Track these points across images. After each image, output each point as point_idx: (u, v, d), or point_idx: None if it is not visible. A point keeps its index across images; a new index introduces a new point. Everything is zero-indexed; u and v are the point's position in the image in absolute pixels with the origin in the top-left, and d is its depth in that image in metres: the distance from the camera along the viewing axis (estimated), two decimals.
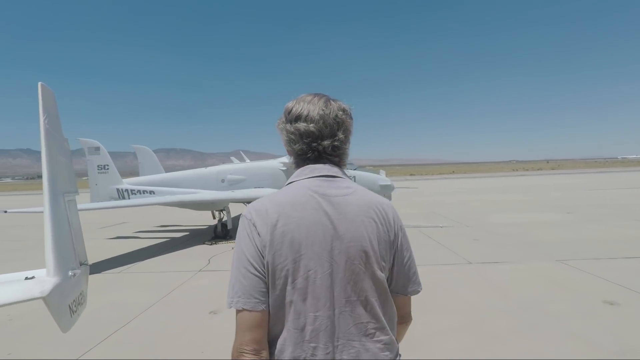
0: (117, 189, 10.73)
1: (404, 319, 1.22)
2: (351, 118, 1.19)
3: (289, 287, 1.03)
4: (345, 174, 1.19)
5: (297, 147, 1.15)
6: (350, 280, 1.05)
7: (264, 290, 1.03)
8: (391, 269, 1.14)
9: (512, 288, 5.19)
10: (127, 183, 11.45)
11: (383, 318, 1.09)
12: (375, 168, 11.54)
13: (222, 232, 10.06)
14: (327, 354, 1.02)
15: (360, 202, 1.10)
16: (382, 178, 10.49)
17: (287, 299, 1.03)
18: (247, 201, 10.19)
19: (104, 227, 13.32)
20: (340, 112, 1.15)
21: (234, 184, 10.95)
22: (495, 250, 7.56)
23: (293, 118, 1.14)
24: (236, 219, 13.23)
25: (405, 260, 1.16)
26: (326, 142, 1.13)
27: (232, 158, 11.94)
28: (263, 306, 1.02)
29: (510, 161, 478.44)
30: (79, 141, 10.93)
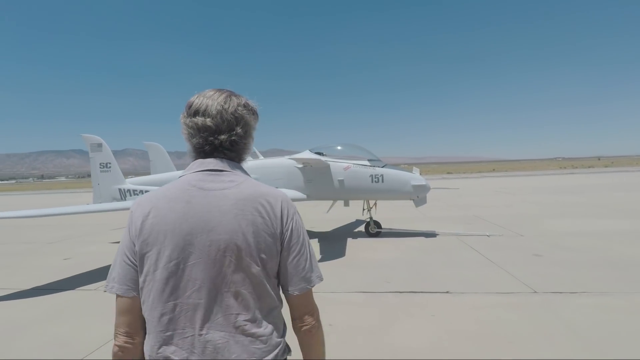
0: (120, 189, 9.82)
1: (303, 321, 1.18)
2: (254, 114, 1.23)
3: (149, 277, 1.08)
4: (239, 167, 1.21)
5: (194, 141, 1.18)
6: (220, 272, 1.07)
7: (136, 278, 1.10)
8: (280, 264, 1.16)
9: (612, 341, 3.48)
10: (131, 183, 10.55)
11: (257, 311, 1.10)
12: (408, 167, 9.92)
13: None
14: (185, 341, 1.05)
15: (239, 195, 1.11)
16: (415, 177, 8.86)
17: (148, 287, 1.08)
18: None
19: (115, 228, 12.60)
20: (240, 108, 1.19)
21: None
22: (569, 272, 5.69)
23: (192, 112, 1.17)
24: None
25: (293, 256, 1.16)
26: (223, 137, 1.16)
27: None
28: (134, 293, 1.10)
29: (555, 158, 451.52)
30: (82, 137, 10.14)
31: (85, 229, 12.59)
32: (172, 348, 1.05)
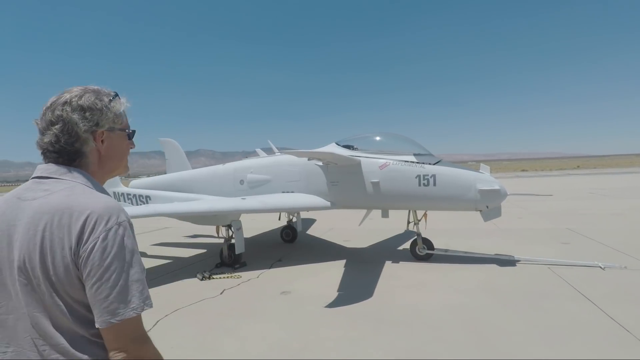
0: (114, 192, 8.39)
1: (111, 357, 0.98)
2: (80, 111, 1.09)
3: None
4: (73, 173, 1.08)
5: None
6: (19, 292, 1.00)
7: None
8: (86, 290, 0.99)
9: None
10: (138, 184, 9.10)
11: (57, 336, 0.99)
12: (474, 165, 7.14)
13: (230, 258, 6.88)
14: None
15: (43, 207, 1.01)
16: (483, 178, 6.13)
17: None
18: (268, 213, 6.95)
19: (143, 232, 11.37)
20: (64, 106, 1.08)
21: (255, 187, 7.69)
22: None
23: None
24: (252, 240, 10.02)
25: (92, 282, 0.96)
26: (45, 138, 1.09)
27: (259, 150, 8.77)
28: None
29: None
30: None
31: None
32: None
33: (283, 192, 7.34)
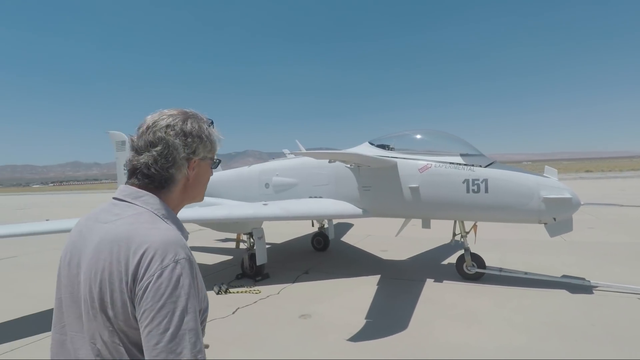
0: None
1: None
2: (183, 137, 1.07)
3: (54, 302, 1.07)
4: (146, 197, 1.04)
5: (128, 157, 1.12)
6: (80, 316, 0.99)
7: None
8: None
9: None
10: None
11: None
12: (533, 164, 5.93)
13: (251, 269, 6.27)
14: None
15: (108, 235, 0.98)
16: (549, 184, 4.98)
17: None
18: (295, 220, 6.18)
19: None
20: (167, 129, 1.06)
21: (280, 191, 7.04)
22: None
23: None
24: (281, 247, 9.31)
25: (145, 324, 0.88)
26: (142, 159, 1.06)
27: (286, 151, 8.11)
28: None
29: None
30: (108, 134, 8.78)
31: None
32: None
33: (310, 197, 6.62)
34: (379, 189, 5.90)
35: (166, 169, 1.06)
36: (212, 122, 1.17)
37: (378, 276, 6.15)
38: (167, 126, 1.06)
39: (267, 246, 8.90)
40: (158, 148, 1.04)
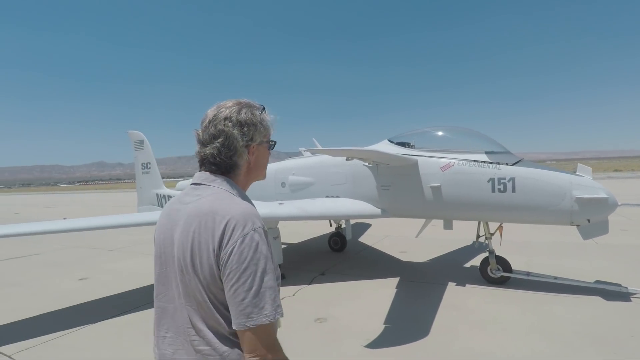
0: (157, 195, 8.15)
1: (250, 355, 1.04)
2: (239, 127, 1.19)
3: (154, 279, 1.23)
4: (221, 180, 1.20)
5: (196, 150, 1.25)
6: (177, 286, 1.14)
7: None
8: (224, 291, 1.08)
9: None
10: (178, 187, 8.83)
11: (205, 330, 1.10)
12: (557, 163, 5.58)
13: None
14: (161, 341, 1.17)
15: (193, 211, 1.13)
16: (583, 183, 4.66)
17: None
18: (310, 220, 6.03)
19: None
20: (226, 122, 1.18)
21: (297, 190, 6.91)
22: None
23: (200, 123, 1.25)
24: (298, 248, 9.15)
25: (231, 284, 1.04)
26: (207, 150, 1.19)
27: (302, 149, 7.97)
28: None
29: None
30: (127, 134, 8.85)
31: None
32: (156, 348, 1.20)
33: (327, 196, 6.45)
34: (399, 188, 5.67)
35: (229, 157, 1.20)
36: (264, 108, 1.28)
37: (397, 279, 5.93)
38: (225, 118, 1.18)
39: (283, 246, 8.84)
40: (220, 139, 1.17)
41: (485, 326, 4.08)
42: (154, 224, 5.68)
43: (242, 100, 1.24)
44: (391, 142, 6.12)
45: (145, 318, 4.67)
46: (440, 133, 5.98)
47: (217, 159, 1.19)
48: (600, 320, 4.10)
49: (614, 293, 4.84)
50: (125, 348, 3.93)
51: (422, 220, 6.47)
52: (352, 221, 9.36)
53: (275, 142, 1.35)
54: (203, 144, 1.20)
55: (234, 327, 1.03)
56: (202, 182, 1.19)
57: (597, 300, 4.68)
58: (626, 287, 4.88)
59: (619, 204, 4.62)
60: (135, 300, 5.34)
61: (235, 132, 1.18)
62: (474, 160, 5.16)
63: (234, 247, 1.03)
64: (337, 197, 6.32)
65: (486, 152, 5.24)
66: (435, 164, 5.36)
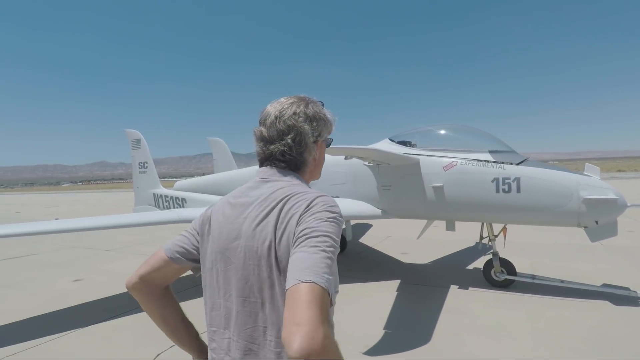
0: (154, 194, 8.02)
1: (288, 328, 0.78)
2: (309, 122, 1.15)
3: (202, 273, 1.16)
4: (290, 174, 1.15)
5: (256, 148, 1.20)
6: (247, 281, 1.04)
7: (186, 253, 1.18)
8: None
9: None
10: (180, 185, 8.70)
11: (279, 322, 1.01)
12: (560, 164, 5.42)
13: None
14: (223, 341, 1.08)
15: (268, 201, 1.07)
16: (591, 183, 4.50)
17: (202, 282, 1.15)
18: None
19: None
20: (295, 116, 1.14)
21: None
22: None
23: (259, 121, 1.19)
24: None
25: (297, 250, 0.92)
26: (273, 147, 1.14)
27: None
28: (176, 256, 1.17)
29: None
30: (125, 132, 8.73)
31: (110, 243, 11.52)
32: (213, 344, 1.10)
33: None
34: (400, 188, 5.52)
35: (300, 154, 1.15)
36: (323, 104, 1.23)
37: (398, 281, 5.78)
38: (294, 113, 1.13)
39: None
40: (291, 135, 1.12)
41: (489, 332, 3.92)
42: (148, 224, 5.60)
43: (303, 96, 1.20)
44: (392, 141, 5.97)
45: (136, 322, 4.53)
46: (442, 131, 5.82)
47: (287, 155, 1.14)
48: (610, 326, 3.94)
49: (622, 297, 4.67)
50: (116, 354, 3.79)
51: (424, 221, 6.32)
52: (352, 222, 9.20)
53: (332, 139, 1.30)
54: (269, 141, 1.14)
55: (287, 287, 0.87)
56: (272, 178, 1.12)
57: (605, 305, 4.52)
58: (635, 292, 4.71)
59: (629, 205, 4.46)
60: (128, 304, 5.20)
61: (307, 127, 1.14)
62: (478, 160, 5.01)
63: (313, 212, 0.98)
64: (337, 197, 6.17)
65: (490, 151, 5.09)
66: (438, 164, 5.21)
